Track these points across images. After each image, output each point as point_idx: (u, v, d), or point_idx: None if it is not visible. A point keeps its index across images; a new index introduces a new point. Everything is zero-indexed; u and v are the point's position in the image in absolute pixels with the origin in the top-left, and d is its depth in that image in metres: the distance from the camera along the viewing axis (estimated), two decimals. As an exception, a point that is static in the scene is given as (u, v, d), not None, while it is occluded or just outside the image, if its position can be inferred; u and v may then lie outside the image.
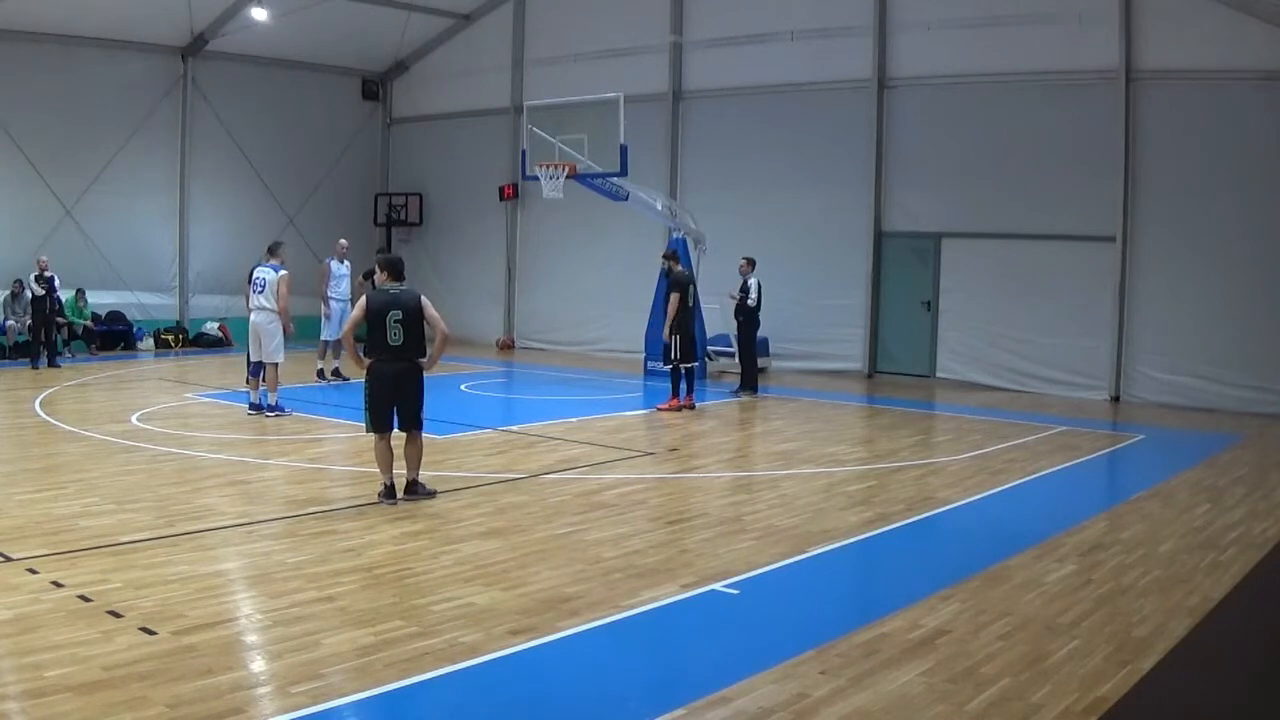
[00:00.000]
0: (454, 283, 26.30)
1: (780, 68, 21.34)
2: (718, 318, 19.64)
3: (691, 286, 16.37)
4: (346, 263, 18.27)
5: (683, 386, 16.16)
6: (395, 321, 9.60)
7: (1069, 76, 18.37)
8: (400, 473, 9.91)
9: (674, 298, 16.02)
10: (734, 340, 18.65)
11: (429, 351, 9.92)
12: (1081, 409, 17.21)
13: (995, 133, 19.22)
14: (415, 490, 9.89)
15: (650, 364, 20.06)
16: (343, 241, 18.68)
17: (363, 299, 9.95)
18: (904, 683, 5.85)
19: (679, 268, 16.53)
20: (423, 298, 9.88)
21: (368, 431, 9.88)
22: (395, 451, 9.92)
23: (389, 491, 9.76)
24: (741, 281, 17.86)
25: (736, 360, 18.58)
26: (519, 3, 25.34)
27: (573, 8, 24.44)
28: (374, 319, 9.68)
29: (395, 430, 9.88)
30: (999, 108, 19.11)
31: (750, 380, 18.10)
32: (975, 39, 19.22)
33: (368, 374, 9.84)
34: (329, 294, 17.86)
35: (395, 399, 9.75)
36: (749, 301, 17.78)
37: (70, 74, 22.31)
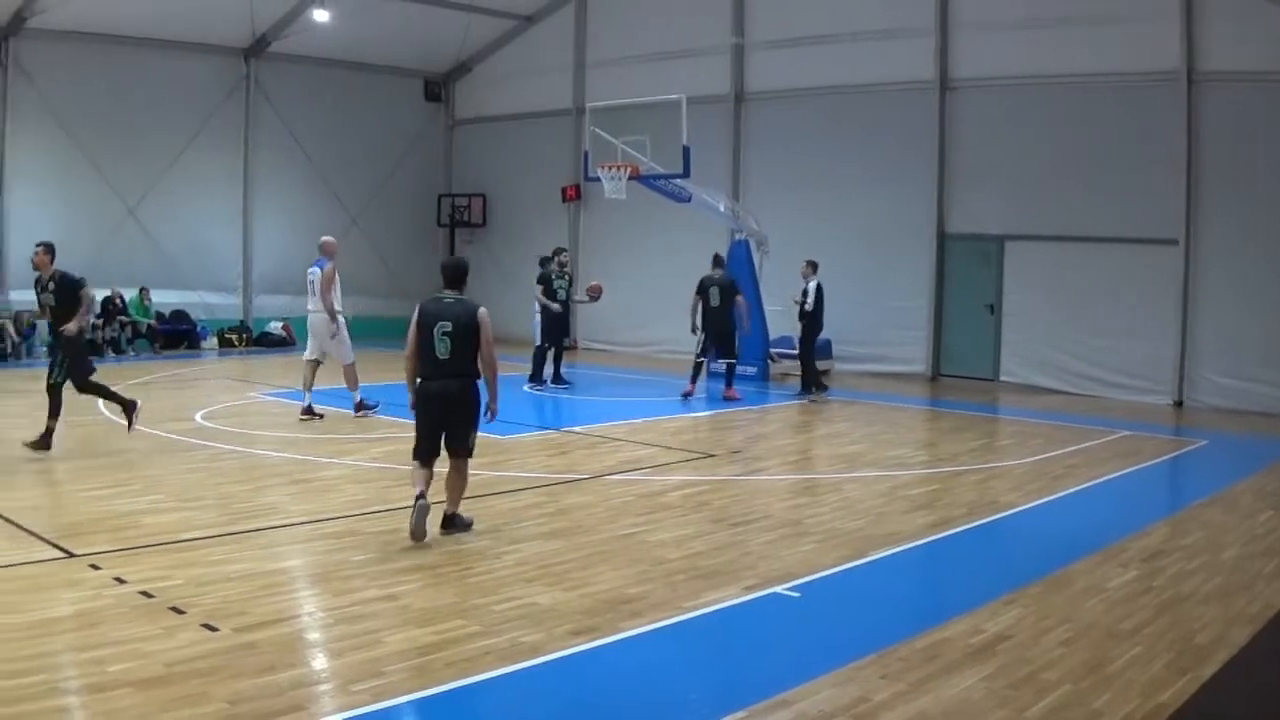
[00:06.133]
0: (517, 284, 26.16)
1: (842, 69, 21.18)
2: (781, 319, 19.47)
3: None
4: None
5: None
6: (443, 334, 8.37)
7: (1129, 78, 18.03)
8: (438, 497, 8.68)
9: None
10: (796, 343, 18.49)
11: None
12: (1144, 413, 16.88)
13: (1057, 134, 18.93)
14: (453, 524, 8.65)
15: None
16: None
17: (417, 307, 8.66)
18: (965, 688, 5.77)
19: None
20: (480, 313, 8.49)
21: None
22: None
23: (421, 496, 8.37)
24: (803, 285, 17.71)
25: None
26: (580, 4, 25.40)
27: (634, 9, 24.43)
28: (423, 331, 8.47)
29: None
30: (1060, 109, 18.82)
31: (811, 383, 17.92)
32: (1035, 40, 18.92)
33: (416, 394, 8.65)
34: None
35: (444, 423, 8.56)
36: (806, 306, 17.61)
37: (132, 75, 22.58)
